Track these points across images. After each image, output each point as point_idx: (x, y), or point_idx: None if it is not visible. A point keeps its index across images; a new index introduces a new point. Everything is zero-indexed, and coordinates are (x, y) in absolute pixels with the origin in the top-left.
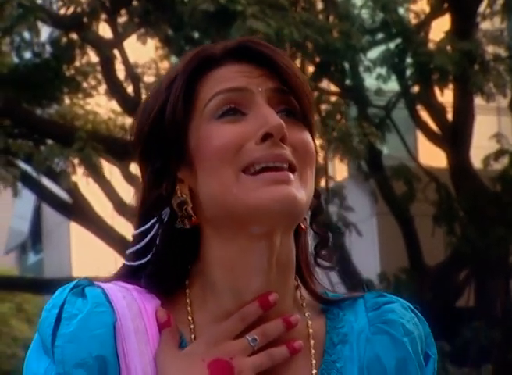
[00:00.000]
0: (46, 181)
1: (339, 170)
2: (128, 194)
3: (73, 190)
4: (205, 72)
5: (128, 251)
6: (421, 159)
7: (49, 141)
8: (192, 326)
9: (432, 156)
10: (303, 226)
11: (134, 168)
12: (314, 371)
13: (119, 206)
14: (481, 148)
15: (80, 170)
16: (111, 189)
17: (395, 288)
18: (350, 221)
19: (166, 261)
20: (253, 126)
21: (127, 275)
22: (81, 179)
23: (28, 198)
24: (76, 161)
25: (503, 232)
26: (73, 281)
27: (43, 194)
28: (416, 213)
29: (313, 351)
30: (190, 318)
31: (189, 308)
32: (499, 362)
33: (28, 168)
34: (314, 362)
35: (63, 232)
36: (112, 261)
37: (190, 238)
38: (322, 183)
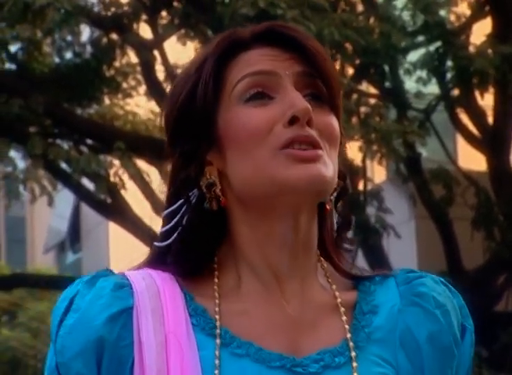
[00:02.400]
0: (85, 181)
1: (378, 173)
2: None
3: (112, 190)
4: (234, 55)
5: (158, 232)
6: (461, 163)
7: (89, 141)
8: (217, 301)
9: (472, 160)
10: (327, 207)
11: None
12: (347, 329)
13: (157, 206)
14: None
15: (118, 176)
16: (149, 189)
17: None
18: (389, 223)
19: (193, 241)
20: (280, 110)
21: (157, 257)
22: (119, 184)
23: (67, 197)
24: (114, 169)
25: None
26: (95, 272)
27: (82, 194)
28: (455, 217)
29: (344, 317)
30: (216, 294)
31: (216, 287)
32: None
33: (67, 168)
34: (347, 327)
35: (102, 231)
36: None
37: (218, 221)
38: (361, 185)
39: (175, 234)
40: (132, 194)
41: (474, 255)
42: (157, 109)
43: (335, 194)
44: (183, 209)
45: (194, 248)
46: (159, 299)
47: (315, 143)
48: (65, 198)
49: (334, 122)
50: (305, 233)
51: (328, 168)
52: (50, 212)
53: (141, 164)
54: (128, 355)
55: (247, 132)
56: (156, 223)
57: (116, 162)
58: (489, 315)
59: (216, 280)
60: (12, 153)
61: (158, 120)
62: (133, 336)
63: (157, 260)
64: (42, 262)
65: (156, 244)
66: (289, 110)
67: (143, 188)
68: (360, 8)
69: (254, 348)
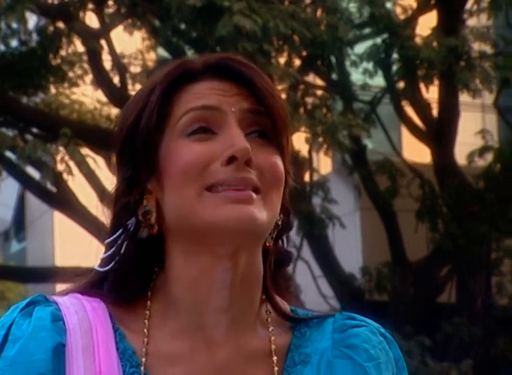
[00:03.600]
0: (31, 170)
1: (324, 164)
2: (113, 184)
3: (58, 179)
4: (183, 85)
5: (99, 258)
6: (406, 155)
7: (34, 130)
8: (145, 340)
9: (417, 152)
10: (267, 245)
11: None
12: None
13: (104, 196)
14: (465, 144)
15: (65, 162)
16: (95, 179)
17: (377, 283)
18: (334, 214)
19: (129, 269)
20: (220, 147)
21: (96, 282)
22: (65, 171)
23: (12, 185)
24: (60, 155)
25: (486, 229)
26: (28, 298)
27: (27, 183)
28: (399, 209)
29: (276, 367)
30: (145, 331)
31: (146, 322)
32: (480, 357)
33: (13, 156)
34: None
35: (47, 221)
36: (94, 251)
37: (155, 250)
38: (307, 176)
39: (112, 262)
40: (78, 184)
41: (418, 246)
42: (103, 99)
43: (275, 231)
44: (122, 237)
45: (130, 277)
46: (91, 336)
47: (251, 185)
48: (9, 186)
49: (278, 161)
50: (244, 275)
51: (262, 212)
52: None
53: (88, 154)
54: None
55: (180, 166)
56: (102, 213)
57: (62, 149)
58: (432, 306)
59: (147, 313)
60: None
61: (104, 109)
62: (65, 374)
63: (94, 285)
64: None
65: (96, 268)
66: (228, 149)
67: (89, 178)
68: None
69: None
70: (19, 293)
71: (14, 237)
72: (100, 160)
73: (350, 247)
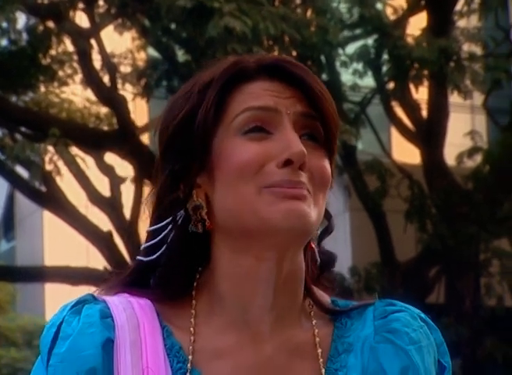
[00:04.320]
0: (20, 169)
1: None
2: (102, 184)
3: (47, 178)
4: (238, 84)
5: (142, 247)
6: (395, 156)
7: (23, 129)
8: (192, 338)
9: (406, 153)
10: (312, 245)
11: (109, 158)
12: (323, 373)
13: (93, 196)
14: (454, 145)
15: (54, 161)
16: (85, 179)
17: (366, 283)
18: None
19: (176, 263)
20: (276, 148)
21: (138, 272)
22: (54, 171)
23: (1, 185)
24: (49, 155)
25: (474, 230)
26: (77, 298)
27: (16, 182)
28: (388, 209)
29: (321, 359)
30: (192, 329)
31: (192, 320)
32: (468, 357)
33: (1, 155)
34: (323, 371)
35: (36, 220)
36: (84, 250)
37: (201, 246)
38: None
39: (161, 250)
40: (67, 183)
41: (407, 247)
42: (93, 98)
43: (318, 231)
44: (169, 228)
45: (176, 272)
46: (138, 332)
47: (304, 188)
48: None
49: (327, 166)
50: (288, 274)
51: (312, 210)
52: None
53: (77, 152)
54: None
55: (236, 165)
56: (91, 213)
57: (51, 149)
58: (421, 306)
59: (193, 312)
60: None
61: (93, 108)
62: (113, 370)
63: (138, 277)
64: None
65: (140, 258)
66: (284, 151)
67: (78, 177)
68: (297, 0)
69: None
70: (8, 292)
71: (3, 236)
72: (89, 159)
73: (340, 247)
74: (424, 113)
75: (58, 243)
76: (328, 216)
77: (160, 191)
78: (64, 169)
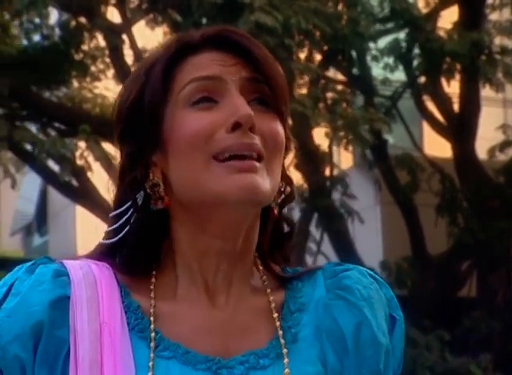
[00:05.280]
0: (52, 163)
1: (344, 159)
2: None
3: (79, 173)
4: (183, 58)
5: (105, 231)
6: (426, 150)
7: (56, 124)
8: (152, 297)
9: (437, 147)
10: (274, 212)
11: None
12: (275, 329)
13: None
14: (486, 139)
15: (85, 157)
16: (116, 173)
17: (397, 277)
18: (353, 209)
19: (139, 242)
20: (224, 115)
21: (103, 254)
22: (84, 166)
23: (34, 179)
24: (79, 150)
25: (505, 224)
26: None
27: (48, 177)
28: (420, 203)
29: (277, 323)
30: (152, 287)
31: (152, 286)
32: (499, 351)
33: (33, 150)
34: (280, 333)
35: (69, 214)
36: None
37: (162, 222)
38: (327, 171)
39: (122, 232)
40: (99, 177)
41: (439, 241)
42: None
43: (279, 199)
44: (131, 210)
45: (139, 250)
46: (95, 289)
47: (256, 150)
48: (32, 180)
49: (279, 128)
50: (244, 242)
51: (265, 180)
52: (17, 195)
53: (108, 147)
54: (63, 343)
55: (186, 135)
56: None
57: (82, 144)
58: (453, 300)
59: (153, 280)
60: None
61: None
62: (69, 325)
63: (103, 255)
64: (8, 244)
65: (101, 241)
66: (232, 116)
67: (109, 171)
68: None
69: (181, 349)
70: None
71: (36, 231)
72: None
73: (371, 241)
74: (456, 107)
75: (91, 237)
76: (289, 181)
77: (120, 174)
78: (95, 163)
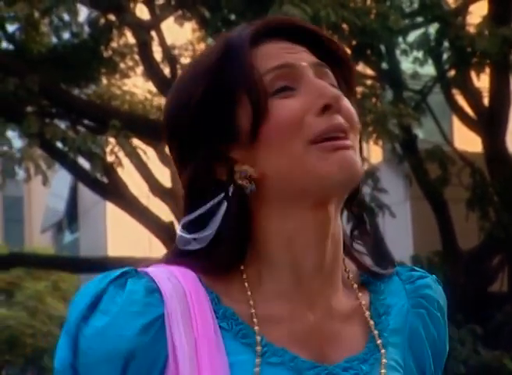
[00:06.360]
0: (82, 160)
1: (374, 153)
2: (163, 174)
3: (109, 170)
4: (250, 47)
5: (179, 235)
6: (457, 144)
7: (86, 121)
8: (251, 303)
9: (468, 141)
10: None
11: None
12: (378, 341)
13: (154, 187)
14: None
15: (115, 153)
16: (146, 170)
17: (428, 271)
18: (384, 203)
19: (231, 235)
20: (309, 99)
21: (181, 256)
22: (115, 162)
23: (64, 176)
24: (110, 147)
25: None
26: (119, 269)
27: (78, 174)
28: (450, 197)
29: (371, 322)
30: (249, 293)
31: (246, 284)
32: None
33: (63, 147)
34: (375, 332)
35: (99, 211)
36: (146, 241)
37: (246, 218)
38: None
39: (214, 225)
40: (128, 174)
41: (470, 235)
42: (154, 89)
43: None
44: (222, 207)
45: (225, 246)
46: (186, 301)
47: (345, 130)
48: (62, 177)
49: (353, 108)
50: (334, 227)
51: (358, 156)
52: (47, 192)
53: (138, 144)
54: (158, 360)
55: (280, 124)
56: (152, 203)
57: (112, 140)
58: (484, 295)
59: (246, 284)
60: (9, 133)
61: (155, 100)
62: (167, 342)
63: (180, 254)
64: (39, 241)
65: (183, 234)
66: (319, 99)
67: (140, 168)
68: None
69: (288, 355)
70: (73, 283)
71: (67, 227)
72: (150, 151)
73: (401, 236)
74: (486, 101)
75: (121, 234)
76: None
77: (191, 180)
78: (125, 160)
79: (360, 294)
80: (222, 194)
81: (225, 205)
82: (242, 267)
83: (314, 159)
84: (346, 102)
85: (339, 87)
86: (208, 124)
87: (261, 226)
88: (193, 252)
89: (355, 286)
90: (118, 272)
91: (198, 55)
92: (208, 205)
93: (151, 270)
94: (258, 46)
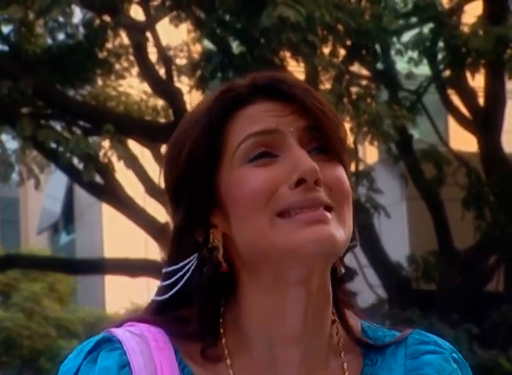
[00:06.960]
0: (78, 162)
1: (370, 153)
2: (159, 176)
3: (105, 171)
4: (233, 111)
5: (158, 286)
6: (452, 144)
7: (81, 122)
8: (231, 373)
9: (463, 141)
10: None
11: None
12: None
13: (150, 188)
14: None
15: (108, 156)
16: (142, 171)
17: (424, 271)
18: (379, 203)
19: (199, 302)
20: (285, 170)
21: (155, 311)
22: (111, 163)
23: (60, 177)
24: (103, 150)
25: None
26: (95, 338)
27: (74, 175)
28: (446, 197)
29: None
30: (228, 361)
31: (228, 361)
32: None
33: (59, 149)
34: None
35: (95, 213)
36: (142, 242)
37: (221, 283)
38: (352, 166)
39: (176, 288)
40: (125, 176)
41: (465, 235)
42: (149, 90)
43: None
44: (186, 269)
45: (202, 314)
46: None
47: (322, 204)
48: (58, 179)
49: (342, 175)
50: (316, 299)
51: (339, 230)
52: (43, 194)
53: (134, 146)
54: None
55: (247, 194)
56: (149, 205)
57: (106, 143)
58: (480, 294)
59: (226, 351)
60: (3, 135)
61: (150, 101)
62: None
63: (157, 312)
64: (36, 243)
65: (154, 298)
66: (295, 171)
67: (136, 170)
68: None
69: None
70: (69, 284)
71: (63, 229)
72: (146, 151)
73: (397, 236)
74: (481, 101)
75: (117, 235)
76: (353, 234)
77: (176, 234)
78: (119, 163)
79: (346, 364)
80: (195, 255)
81: (192, 266)
82: (222, 330)
83: (282, 233)
84: (331, 169)
85: (331, 149)
86: (193, 182)
87: (241, 300)
88: (171, 308)
89: (343, 354)
90: (93, 342)
91: (196, 105)
92: (181, 264)
93: (126, 338)
94: (243, 107)
